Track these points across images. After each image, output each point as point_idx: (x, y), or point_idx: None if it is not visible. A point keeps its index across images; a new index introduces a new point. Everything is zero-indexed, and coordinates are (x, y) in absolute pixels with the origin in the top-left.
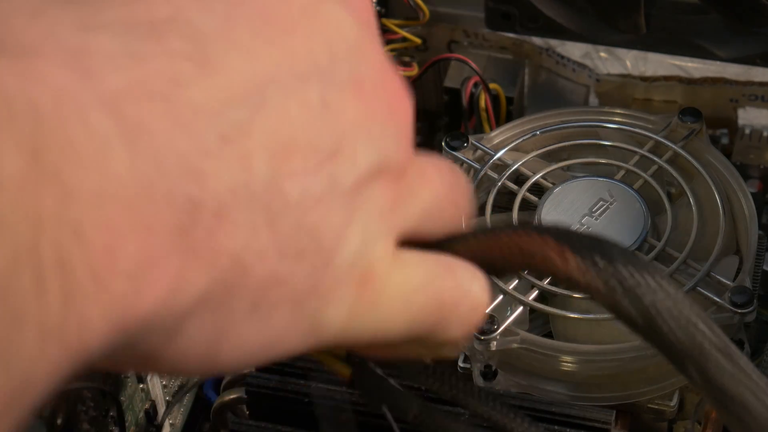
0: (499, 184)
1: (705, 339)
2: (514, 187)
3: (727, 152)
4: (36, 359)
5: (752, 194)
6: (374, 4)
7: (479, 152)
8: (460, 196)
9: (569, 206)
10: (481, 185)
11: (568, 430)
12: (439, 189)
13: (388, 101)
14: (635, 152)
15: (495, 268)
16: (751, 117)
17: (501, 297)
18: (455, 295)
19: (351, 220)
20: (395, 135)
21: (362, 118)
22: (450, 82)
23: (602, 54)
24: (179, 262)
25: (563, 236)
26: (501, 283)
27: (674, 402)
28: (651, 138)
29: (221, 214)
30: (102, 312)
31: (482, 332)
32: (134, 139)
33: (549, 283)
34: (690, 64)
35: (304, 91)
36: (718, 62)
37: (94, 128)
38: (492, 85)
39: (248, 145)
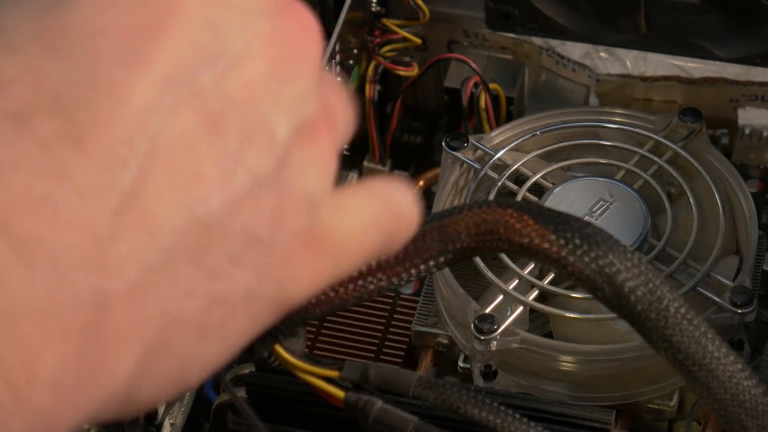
0: (499, 184)
1: (671, 303)
2: (514, 187)
3: (727, 152)
4: None
5: (752, 194)
6: (374, 4)
7: (479, 152)
8: (349, 101)
9: (569, 206)
10: (481, 185)
11: (568, 430)
12: (346, 111)
13: (295, 42)
14: (635, 152)
15: (465, 251)
16: (751, 117)
17: (501, 297)
18: (395, 221)
19: (286, 196)
20: (308, 85)
21: (270, 84)
22: (450, 82)
23: (602, 54)
24: (102, 354)
25: (524, 207)
26: (501, 283)
27: (674, 402)
28: (651, 138)
29: (135, 291)
30: (25, 425)
31: (482, 332)
32: (28, 253)
33: (549, 283)
34: (690, 64)
35: (193, 94)
36: (718, 62)
37: None
38: (492, 85)
39: (147, 204)
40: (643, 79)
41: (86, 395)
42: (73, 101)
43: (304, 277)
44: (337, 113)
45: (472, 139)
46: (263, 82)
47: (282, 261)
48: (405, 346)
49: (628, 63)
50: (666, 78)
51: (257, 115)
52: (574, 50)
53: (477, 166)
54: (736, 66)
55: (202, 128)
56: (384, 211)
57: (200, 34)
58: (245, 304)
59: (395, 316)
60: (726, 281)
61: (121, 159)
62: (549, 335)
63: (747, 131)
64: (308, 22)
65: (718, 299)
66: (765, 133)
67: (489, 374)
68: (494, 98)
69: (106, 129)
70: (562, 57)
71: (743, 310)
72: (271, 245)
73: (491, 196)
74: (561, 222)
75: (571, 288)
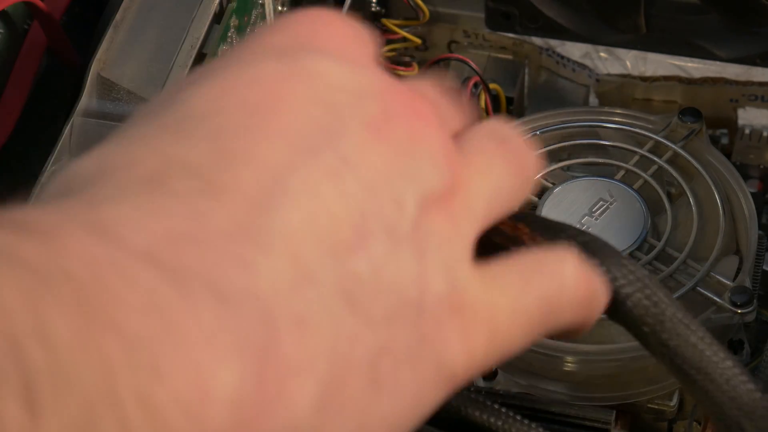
0: None
1: (667, 308)
2: None
3: (727, 152)
4: None
5: (752, 194)
6: (374, 4)
7: None
8: (519, 164)
9: (569, 206)
10: None
11: (568, 429)
12: (498, 173)
13: (409, 123)
14: (635, 152)
15: None
16: (751, 117)
17: None
18: (554, 287)
19: (423, 260)
20: (430, 155)
21: (392, 160)
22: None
23: (602, 54)
24: (278, 380)
25: (518, 216)
26: None
27: (674, 402)
28: (651, 138)
29: (299, 322)
30: None
31: None
32: (182, 281)
33: None
34: (690, 64)
35: (315, 157)
36: (718, 62)
37: (138, 280)
38: (492, 85)
39: (292, 241)
40: (643, 79)
41: (268, 424)
42: (203, 166)
43: (459, 346)
44: (472, 184)
45: None
46: (386, 157)
47: (433, 326)
48: None
49: (628, 63)
50: (666, 78)
51: (386, 190)
52: (574, 50)
53: None
54: (736, 66)
55: (336, 196)
56: (538, 279)
57: (314, 109)
58: (409, 359)
59: None
60: (726, 281)
61: (257, 202)
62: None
63: (747, 131)
64: (417, 103)
65: (717, 299)
66: (765, 133)
67: (489, 374)
68: (494, 98)
69: (238, 181)
70: (562, 57)
71: (743, 310)
72: (420, 307)
73: None
74: (556, 230)
75: None
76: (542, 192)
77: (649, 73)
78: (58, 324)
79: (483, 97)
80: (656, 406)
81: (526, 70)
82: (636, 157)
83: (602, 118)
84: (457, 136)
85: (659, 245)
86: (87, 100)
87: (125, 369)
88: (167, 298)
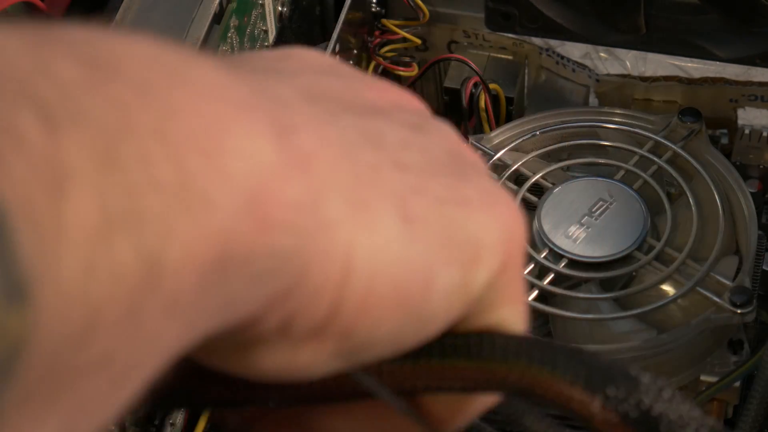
0: (499, 184)
1: None
2: (513, 187)
3: (727, 152)
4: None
5: (752, 194)
6: (374, 5)
7: (479, 152)
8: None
9: (569, 206)
10: None
11: (567, 430)
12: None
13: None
14: (635, 152)
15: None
16: (750, 117)
17: None
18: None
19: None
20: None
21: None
22: (450, 82)
23: (602, 54)
24: (298, 150)
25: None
26: None
27: None
28: (651, 138)
29: (317, 123)
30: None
31: None
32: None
33: (549, 283)
34: (690, 64)
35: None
36: (717, 62)
37: (141, 48)
38: (492, 85)
39: (308, 85)
40: (643, 79)
41: (287, 193)
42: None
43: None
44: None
45: (472, 139)
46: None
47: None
48: None
49: (628, 63)
50: (666, 78)
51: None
52: (574, 50)
53: None
54: (736, 66)
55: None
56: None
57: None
58: (438, 203)
59: None
60: (726, 281)
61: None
62: (549, 335)
63: (747, 131)
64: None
65: (717, 299)
66: (765, 133)
67: None
68: (494, 98)
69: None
70: (562, 57)
71: (743, 310)
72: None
73: None
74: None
75: (571, 288)
76: (542, 192)
77: (649, 73)
78: (64, 67)
79: (483, 97)
80: None
81: (526, 70)
82: (636, 158)
83: (602, 118)
84: None
85: (659, 245)
86: None
87: (139, 108)
88: (173, 56)
